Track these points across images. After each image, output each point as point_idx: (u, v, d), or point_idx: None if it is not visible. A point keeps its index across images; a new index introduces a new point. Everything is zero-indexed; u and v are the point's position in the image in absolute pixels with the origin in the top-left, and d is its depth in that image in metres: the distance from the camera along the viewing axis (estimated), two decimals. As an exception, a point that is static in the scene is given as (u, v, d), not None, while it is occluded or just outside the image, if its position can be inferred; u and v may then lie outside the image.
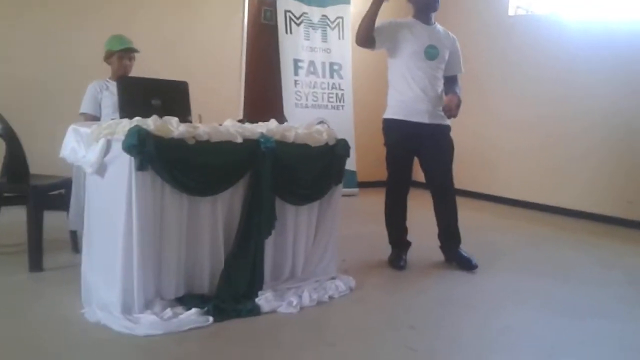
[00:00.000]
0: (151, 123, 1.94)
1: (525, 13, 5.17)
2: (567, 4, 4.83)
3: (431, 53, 2.88)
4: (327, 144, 2.45)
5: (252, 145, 2.17)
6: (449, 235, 3.05)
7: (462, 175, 5.56)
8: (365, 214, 4.12)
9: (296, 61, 4.94)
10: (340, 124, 5.09)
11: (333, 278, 2.50)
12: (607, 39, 4.51)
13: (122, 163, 1.92)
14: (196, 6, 4.55)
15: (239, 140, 2.12)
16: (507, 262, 3.26)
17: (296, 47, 4.95)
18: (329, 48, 5.12)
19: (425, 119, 2.90)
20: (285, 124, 2.53)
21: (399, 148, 2.96)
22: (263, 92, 4.96)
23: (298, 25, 4.95)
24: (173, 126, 1.99)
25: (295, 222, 2.43)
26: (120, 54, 2.96)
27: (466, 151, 5.58)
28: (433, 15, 2.94)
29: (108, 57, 3.00)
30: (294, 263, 2.47)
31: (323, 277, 2.49)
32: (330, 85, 5.15)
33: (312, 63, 5.04)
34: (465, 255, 3.00)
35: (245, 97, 4.79)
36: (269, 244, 2.32)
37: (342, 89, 5.20)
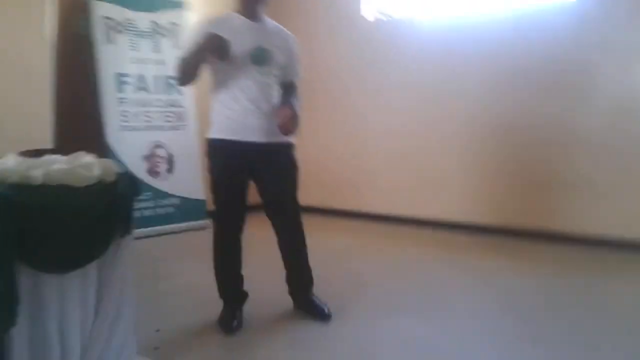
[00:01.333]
0: None
1: (385, 18, 4.82)
2: (425, 7, 4.56)
3: (260, 57, 2.30)
4: (101, 181, 1.74)
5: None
6: (297, 278, 2.49)
7: (324, 193, 5.25)
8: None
9: (120, 75, 4.12)
10: (182, 146, 4.39)
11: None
12: (472, 39, 4.25)
13: None
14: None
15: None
16: (371, 298, 2.77)
17: (120, 59, 4.14)
18: (162, 59, 4.37)
19: (258, 137, 2.31)
20: (36, 159, 1.76)
21: (226, 175, 2.35)
22: (78, 113, 4.07)
23: (121, 33, 4.15)
24: None
25: (61, 299, 1.68)
26: None
27: (327, 165, 5.28)
28: (260, 9, 2.35)
29: None
30: (65, 358, 1.71)
31: (114, 367, 1.77)
32: (167, 103, 4.40)
33: (141, 77, 4.25)
34: (317, 303, 2.45)
35: (56, 119, 3.86)
36: (19, 339, 1.56)
37: (182, 106, 4.47)
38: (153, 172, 4.26)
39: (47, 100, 3.79)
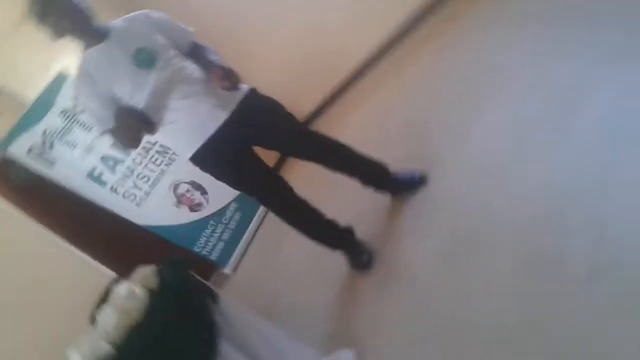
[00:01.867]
0: None
1: None
2: None
3: (144, 59, 1.98)
4: (153, 293, 1.60)
5: None
6: (369, 174, 2.29)
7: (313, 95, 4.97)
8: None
9: (90, 174, 3.92)
10: (189, 168, 4.17)
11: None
12: None
13: None
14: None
15: None
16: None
17: (73, 164, 3.88)
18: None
19: (223, 115, 2.05)
20: (90, 337, 1.64)
21: (231, 168, 2.14)
22: (96, 233, 3.96)
23: (53, 148, 3.89)
24: None
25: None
26: None
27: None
28: (93, 27, 2.01)
29: None
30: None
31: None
32: (144, 154, 4.17)
33: (104, 158, 4.02)
34: (404, 176, 2.25)
35: (91, 253, 3.81)
36: None
37: (156, 142, 4.22)
38: (194, 208, 4.14)
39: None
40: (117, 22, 2.06)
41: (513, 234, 1.56)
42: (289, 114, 2.21)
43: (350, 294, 2.17)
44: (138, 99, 1.97)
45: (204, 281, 1.85)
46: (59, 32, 1.94)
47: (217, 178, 2.22)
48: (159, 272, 1.66)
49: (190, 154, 2.12)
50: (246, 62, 4.68)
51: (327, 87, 4.83)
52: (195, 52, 2.14)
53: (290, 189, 2.21)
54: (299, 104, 5.02)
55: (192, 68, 2.07)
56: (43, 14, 1.89)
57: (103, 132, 2.08)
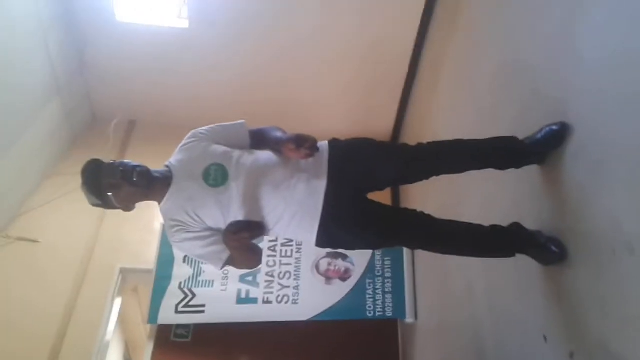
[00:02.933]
0: None
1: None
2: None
3: (216, 176, 1.83)
4: None
5: None
6: (497, 155, 1.89)
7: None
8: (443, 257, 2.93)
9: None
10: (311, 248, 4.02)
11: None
12: None
13: None
14: None
15: None
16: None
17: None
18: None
19: (321, 184, 1.82)
20: None
21: (350, 234, 1.85)
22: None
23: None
24: None
25: None
26: None
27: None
28: (161, 181, 1.88)
29: None
30: None
31: None
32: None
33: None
34: (539, 137, 1.82)
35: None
36: None
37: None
38: (344, 277, 3.89)
39: None
40: (172, 158, 1.93)
41: None
42: (380, 143, 1.94)
43: (563, 295, 1.73)
44: (233, 216, 1.81)
45: None
46: (126, 204, 1.85)
47: (353, 248, 2.02)
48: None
49: (314, 241, 1.87)
50: (310, 117, 4.62)
51: (396, 90, 4.51)
52: (259, 140, 1.95)
53: (430, 216, 1.89)
54: (379, 123, 4.74)
55: (264, 157, 1.88)
56: (100, 197, 1.80)
57: (223, 267, 1.92)
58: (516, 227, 1.86)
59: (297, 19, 4.03)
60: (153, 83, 4.43)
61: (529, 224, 1.86)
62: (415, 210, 1.91)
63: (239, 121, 1.99)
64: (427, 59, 4.02)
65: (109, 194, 1.79)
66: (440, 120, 3.47)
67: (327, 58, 4.29)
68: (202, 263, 3.89)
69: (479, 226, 1.89)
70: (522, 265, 1.89)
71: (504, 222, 1.89)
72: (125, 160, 1.85)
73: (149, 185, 1.82)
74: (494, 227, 1.88)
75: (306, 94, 4.55)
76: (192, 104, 4.51)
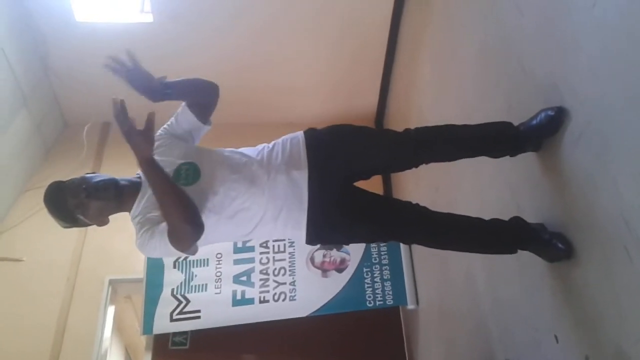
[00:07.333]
0: None
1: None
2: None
3: (187, 175, 1.68)
4: None
5: None
6: (491, 142, 1.76)
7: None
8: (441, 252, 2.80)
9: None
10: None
11: None
12: None
13: None
14: None
15: None
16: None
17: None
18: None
19: (302, 174, 1.69)
20: None
21: (343, 226, 1.72)
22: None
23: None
24: None
25: None
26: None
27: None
28: (127, 191, 1.74)
29: None
30: None
31: None
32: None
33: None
34: (533, 122, 1.67)
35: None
36: None
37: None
38: (341, 267, 3.78)
39: None
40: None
41: None
42: (364, 130, 1.80)
43: (573, 295, 1.61)
44: (218, 210, 1.65)
45: None
46: (98, 219, 1.70)
47: (347, 242, 1.90)
48: None
49: (304, 238, 1.73)
50: (291, 102, 4.45)
51: (377, 65, 4.31)
52: (191, 102, 1.78)
53: (427, 210, 1.76)
54: (363, 101, 4.56)
55: (237, 151, 1.76)
56: (70, 219, 1.66)
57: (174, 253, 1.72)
58: (517, 221, 1.73)
59: (264, 1, 3.82)
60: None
61: (530, 216, 1.73)
62: (410, 203, 1.78)
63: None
64: (407, 29, 3.83)
65: (78, 215, 1.65)
66: (425, 94, 3.31)
67: (300, 39, 4.09)
68: (194, 267, 3.77)
69: (479, 220, 1.77)
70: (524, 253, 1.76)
71: (502, 210, 1.78)
72: (87, 175, 1.72)
73: (117, 196, 1.68)
74: (494, 222, 1.76)
75: (283, 78, 4.36)
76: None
